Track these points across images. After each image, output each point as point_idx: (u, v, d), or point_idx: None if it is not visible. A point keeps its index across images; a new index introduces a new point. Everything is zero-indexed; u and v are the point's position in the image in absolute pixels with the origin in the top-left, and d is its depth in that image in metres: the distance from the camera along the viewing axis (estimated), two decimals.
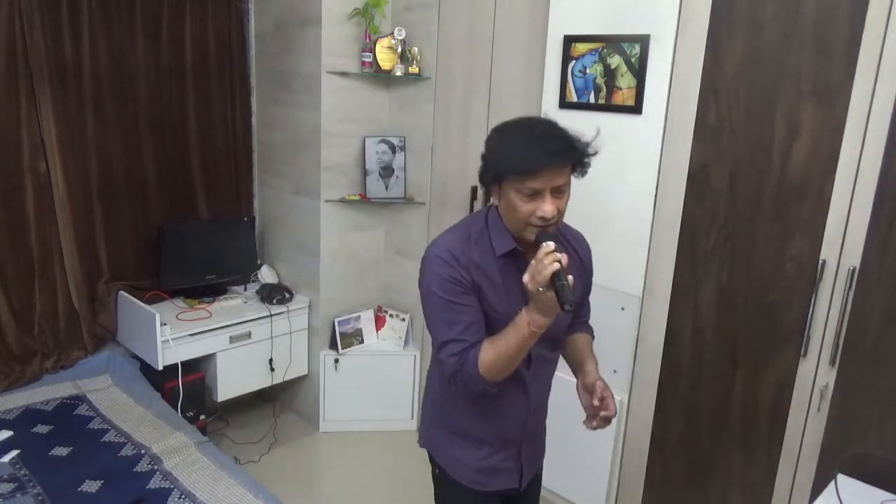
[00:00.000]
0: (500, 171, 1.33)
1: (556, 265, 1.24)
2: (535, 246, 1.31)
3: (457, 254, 1.39)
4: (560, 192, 1.33)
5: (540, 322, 1.30)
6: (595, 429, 1.50)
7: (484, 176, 1.38)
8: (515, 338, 1.33)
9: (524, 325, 1.31)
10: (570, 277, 1.26)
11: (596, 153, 1.37)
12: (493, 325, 1.41)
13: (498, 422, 1.53)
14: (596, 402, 1.48)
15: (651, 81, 2.21)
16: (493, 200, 1.41)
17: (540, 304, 1.28)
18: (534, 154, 1.28)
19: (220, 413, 3.28)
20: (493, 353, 1.36)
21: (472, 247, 1.41)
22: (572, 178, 1.38)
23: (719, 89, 2.09)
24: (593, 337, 1.73)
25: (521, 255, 1.42)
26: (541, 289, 1.25)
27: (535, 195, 1.31)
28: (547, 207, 1.31)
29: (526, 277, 1.28)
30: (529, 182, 1.29)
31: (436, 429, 1.62)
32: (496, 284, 1.41)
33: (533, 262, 1.27)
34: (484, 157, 1.38)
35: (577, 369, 1.61)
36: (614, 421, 2.41)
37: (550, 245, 1.27)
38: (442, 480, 1.63)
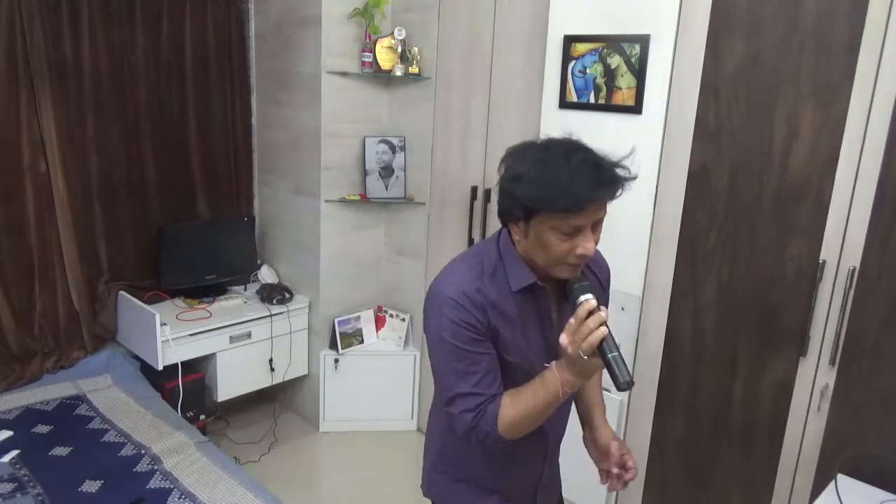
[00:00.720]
0: (537, 207, 1.12)
1: (605, 329, 1.08)
2: (559, 281, 1.20)
3: (471, 293, 1.20)
4: (598, 224, 1.18)
5: (574, 384, 1.15)
6: (619, 490, 1.35)
7: (511, 211, 1.17)
8: (544, 397, 1.17)
9: (555, 385, 1.15)
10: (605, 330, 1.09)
11: (636, 178, 1.17)
12: (507, 371, 1.25)
13: (512, 472, 1.39)
14: (616, 470, 1.33)
15: (651, 81, 2.20)
16: (514, 235, 1.22)
17: (578, 368, 1.13)
18: (580, 188, 1.09)
19: (220, 413, 3.28)
20: (515, 412, 1.19)
21: (486, 283, 1.22)
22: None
23: (719, 89, 2.09)
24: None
25: (541, 289, 1.26)
26: (585, 356, 1.09)
27: (576, 232, 1.14)
28: (589, 245, 1.15)
29: (564, 339, 1.12)
30: (573, 220, 1.11)
31: (440, 476, 1.46)
32: (514, 325, 1.24)
33: (572, 321, 1.11)
34: (508, 189, 1.16)
35: (583, 416, 1.47)
36: (614, 421, 2.43)
37: (592, 302, 1.11)
38: None
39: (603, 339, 1.08)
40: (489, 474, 1.39)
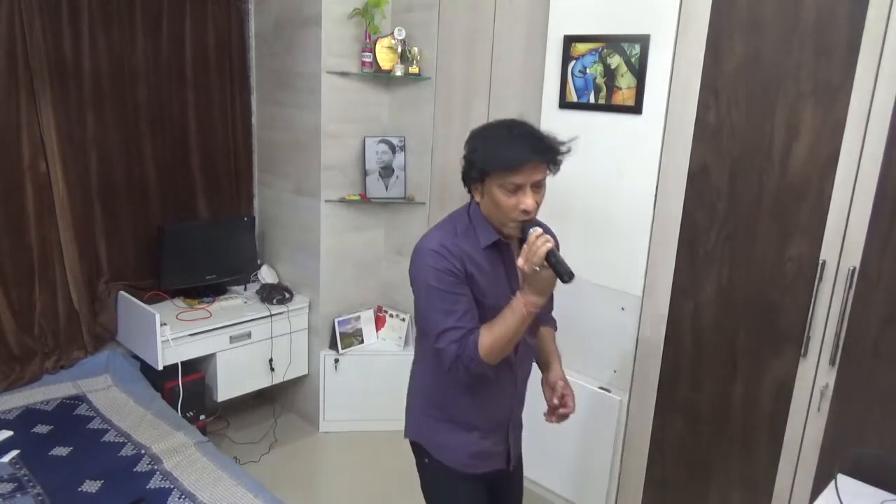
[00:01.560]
0: (485, 168, 1.44)
1: (550, 244, 1.37)
2: (518, 239, 1.47)
3: (449, 246, 1.49)
4: (538, 186, 1.45)
5: (536, 302, 1.42)
6: (555, 422, 1.64)
7: (468, 174, 1.49)
8: (513, 319, 1.43)
9: (521, 307, 1.42)
10: (550, 246, 1.37)
11: (570, 151, 1.48)
12: (482, 313, 1.50)
13: (487, 407, 1.62)
14: (556, 402, 1.62)
15: (651, 81, 2.20)
16: (475, 198, 1.53)
17: (536, 285, 1.41)
18: (517, 151, 1.41)
19: (220, 413, 3.28)
20: (491, 337, 1.45)
21: (460, 240, 1.51)
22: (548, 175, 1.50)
23: (719, 89, 2.09)
24: (556, 328, 1.84)
25: (505, 245, 1.54)
26: (537, 268, 1.37)
27: (517, 190, 1.43)
28: (528, 201, 1.43)
29: (520, 261, 1.39)
30: (513, 177, 1.41)
31: (425, 418, 1.67)
32: (485, 274, 1.51)
33: (525, 246, 1.39)
34: (467, 157, 1.49)
35: (542, 365, 1.74)
36: (614, 421, 2.43)
37: (539, 230, 1.40)
38: (431, 469, 1.68)
39: (549, 252, 1.37)
40: (468, 413, 1.61)
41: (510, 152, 1.41)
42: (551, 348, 1.75)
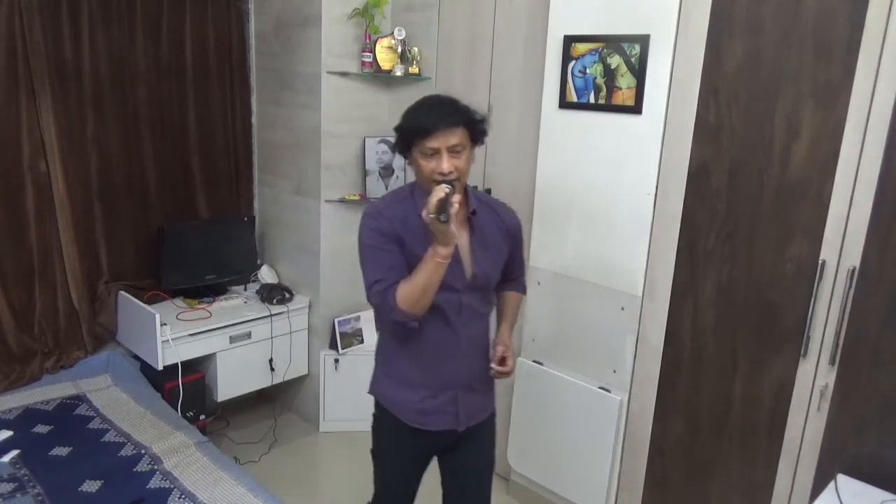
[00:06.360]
0: (405, 135, 1.60)
1: (443, 194, 1.48)
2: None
3: (382, 209, 1.66)
4: (456, 151, 1.57)
5: (442, 252, 1.54)
6: (495, 377, 1.79)
7: (399, 144, 1.65)
8: (424, 269, 1.56)
9: (430, 257, 1.55)
10: (455, 205, 1.49)
11: (483, 120, 1.63)
12: None
13: (432, 366, 1.73)
14: (493, 365, 1.75)
15: (651, 81, 2.20)
16: (412, 168, 1.67)
17: (437, 235, 1.52)
18: (429, 118, 1.57)
19: (220, 413, 3.28)
20: (407, 286, 1.58)
21: (397, 206, 1.67)
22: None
23: (719, 89, 2.09)
24: (524, 292, 1.99)
25: None
26: (431, 216, 1.47)
27: (435, 154, 1.56)
28: (444, 164, 1.56)
29: (423, 212, 1.51)
30: (428, 142, 1.56)
31: (380, 373, 1.83)
32: (419, 238, 1.62)
33: (428, 198, 1.51)
34: (395, 130, 1.64)
35: (497, 325, 1.89)
36: (614, 421, 2.43)
37: (443, 186, 1.52)
38: (380, 420, 1.83)
39: (439, 200, 1.47)
40: (411, 370, 1.74)
41: (423, 119, 1.57)
42: (505, 311, 1.90)
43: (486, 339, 1.81)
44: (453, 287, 1.65)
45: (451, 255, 1.56)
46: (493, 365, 1.76)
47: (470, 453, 1.85)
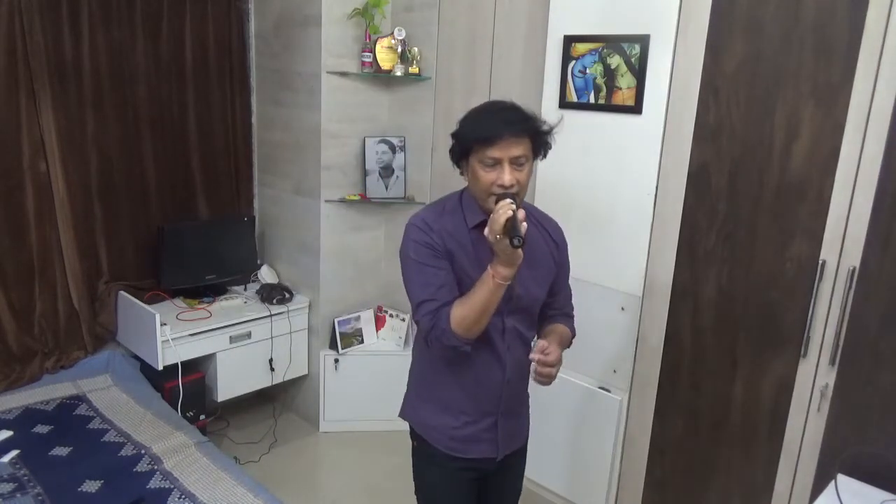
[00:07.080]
0: (465, 142, 1.48)
1: (510, 212, 1.37)
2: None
3: (430, 222, 1.54)
4: (519, 163, 1.45)
5: (503, 273, 1.42)
6: (535, 375, 1.54)
7: (453, 151, 1.53)
8: (482, 290, 1.44)
9: (489, 278, 1.43)
10: (524, 224, 1.37)
11: (550, 131, 1.50)
12: (467, 289, 1.51)
13: (474, 392, 1.61)
14: (535, 355, 1.51)
15: (651, 81, 2.21)
16: (463, 177, 1.56)
17: (501, 255, 1.40)
18: (493, 125, 1.44)
19: (220, 413, 3.28)
20: (462, 308, 1.46)
21: (446, 218, 1.56)
22: (539, 162, 1.52)
23: (719, 89, 2.09)
24: (574, 335, 1.75)
25: None
26: (498, 237, 1.37)
27: (496, 165, 1.44)
28: (506, 176, 1.44)
29: (486, 231, 1.41)
30: (490, 151, 1.43)
31: (416, 398, 1.71)
32: (468, 253, 1.53)
33: (492, 215, 1.40)
34: (453, 135, 1.52)
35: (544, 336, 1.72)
36: (614, 421, 2.43)
37: (507, 200, 1.40)
38: (419, 452, 1.70)
39: (508, 219, 1.36)
40: (453, 394, 1.62)
41: (485, 126, 1.45)
42: (554, 331, 1.67)
43: (528, 366, 1.61)
44: (496, 308, 1.50)
45: (513, 276, 1.44)
46: (534, 355, 1.50)
47: (502, 480, 1.76)
